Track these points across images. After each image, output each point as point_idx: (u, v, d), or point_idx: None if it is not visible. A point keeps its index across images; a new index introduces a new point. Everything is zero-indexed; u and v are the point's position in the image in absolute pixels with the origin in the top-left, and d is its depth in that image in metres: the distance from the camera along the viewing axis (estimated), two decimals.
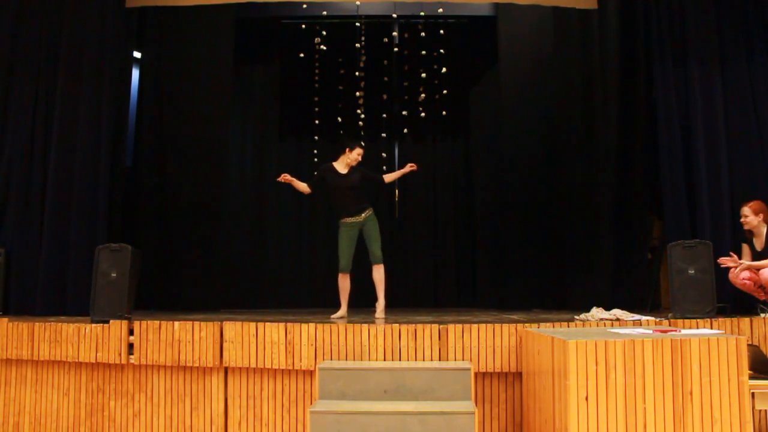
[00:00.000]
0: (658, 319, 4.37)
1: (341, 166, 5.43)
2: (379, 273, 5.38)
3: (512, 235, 6.96)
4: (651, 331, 3.42)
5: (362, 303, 5.93)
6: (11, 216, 5.75)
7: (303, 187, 5.41)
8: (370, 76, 7.48)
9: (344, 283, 5.37)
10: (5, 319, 4.75)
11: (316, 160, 7.70)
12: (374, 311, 5.39)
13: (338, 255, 5.37)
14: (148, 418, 4.36)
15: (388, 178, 5.65)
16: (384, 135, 7.85)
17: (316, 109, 7.77)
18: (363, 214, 5.36)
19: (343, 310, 5.31)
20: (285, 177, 5.34)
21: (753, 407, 3.27)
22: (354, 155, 5.40)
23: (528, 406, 3.82)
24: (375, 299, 5.41)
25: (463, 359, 4.03)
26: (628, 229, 5.95)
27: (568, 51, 6.75)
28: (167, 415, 4.33)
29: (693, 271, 4.48)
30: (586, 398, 2.93)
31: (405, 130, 7.74)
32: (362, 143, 5.52)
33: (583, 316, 4.58)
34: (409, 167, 5.57)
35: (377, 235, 5.38)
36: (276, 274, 7.77)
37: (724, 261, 4.70)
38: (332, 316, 5.06)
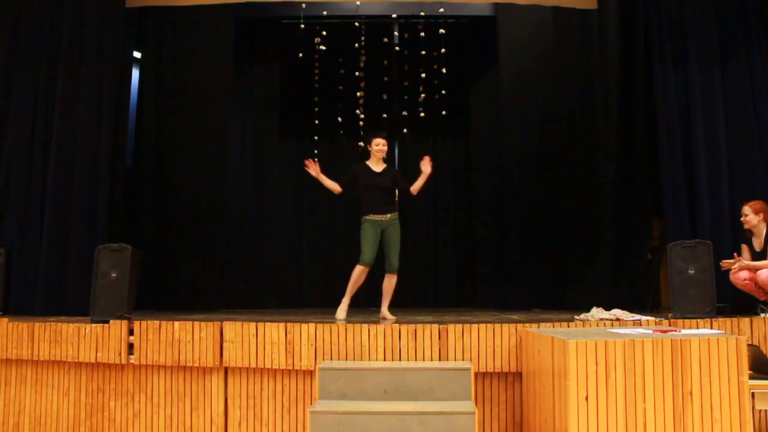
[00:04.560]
0: (658, 319, 4.37)
1: (374, 164, 5.37)
2: (390, 282, 5.27)
3: (512, 234, 6.96)
4: (651, 331, 3.42)
5: (362, 303, 5.92)
6: (11, 216, 5.74)
7: (332, 185, 5.27)
8: (370, 76, 7.47)
9: (361, 277, 5.17)
10: (5, 319, 4.75)
11: (316, 160, 7.67)
12: (379, 314, 5.26)
13: (362, 248, 5.18)
14: (148, 418, 4.36)
15: (415, 188, 5.30)
16: (384, 135, 7.83)
17: (316, 109, 7.74)
18: (389, 215, 5.29)
19: (345, 303, 5.14)
20: (315, 168, 5.18)
21: (753, 407, 3.27)
22: (375, 147, 5.32)
23: (528, 406, 3.82)
24: (378, 304, 5.32)
25: (463, 359, 4.03)
26: (628, 229, 5.95)
27: (568, 51, 6.75)
28: (167, 415, 4.33)
29: (693, 271, 4.48)
30: (586, 398, 2.93)
31: (405, 130, 7.72)
32: (382, 133, 5.42)
33: (583, 316, 4.58)
34: (424, 173, 5.22)
35: (398, 243, 5.28)
36: (276, 274, 7.74)
37: (726, 263, 4.70)
38: (337, 316, 4.99)
